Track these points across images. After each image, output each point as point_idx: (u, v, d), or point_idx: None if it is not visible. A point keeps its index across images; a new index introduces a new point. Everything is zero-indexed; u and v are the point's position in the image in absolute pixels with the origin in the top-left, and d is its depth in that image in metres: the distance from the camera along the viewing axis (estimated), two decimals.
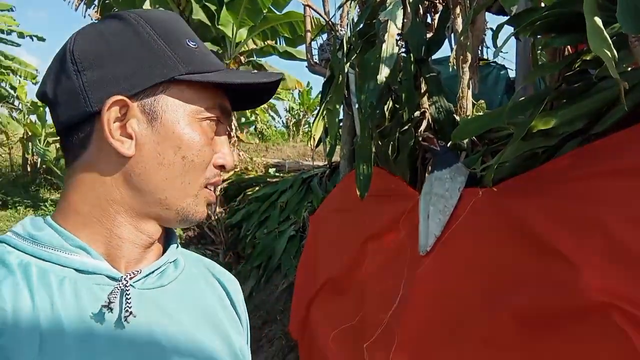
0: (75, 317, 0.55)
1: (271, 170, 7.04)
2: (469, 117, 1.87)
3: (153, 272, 0.65)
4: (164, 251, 0.70)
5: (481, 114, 2.09)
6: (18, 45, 13.14)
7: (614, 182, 1.21)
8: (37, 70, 13.23)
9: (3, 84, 13.08)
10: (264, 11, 7.37)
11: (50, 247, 0.58)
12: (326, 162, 4.80)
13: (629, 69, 1.33)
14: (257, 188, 5.57)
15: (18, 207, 9.19)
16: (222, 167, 0.68)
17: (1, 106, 12.60)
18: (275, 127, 21.33)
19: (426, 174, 1.94)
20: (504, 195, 1.53)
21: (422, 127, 2.30)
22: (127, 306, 0.57)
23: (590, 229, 1.21)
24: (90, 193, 0.62)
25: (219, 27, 7.41)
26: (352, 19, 2.54)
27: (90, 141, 0.62)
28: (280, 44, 8.52)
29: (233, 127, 7.68)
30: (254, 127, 18.12)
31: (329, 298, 2.53)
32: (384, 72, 1.83)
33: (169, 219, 0.65)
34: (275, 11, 7.85)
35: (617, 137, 1.26)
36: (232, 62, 7.36)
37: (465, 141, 2.11)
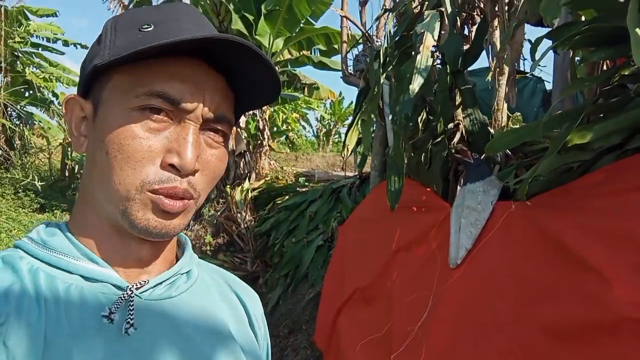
0: (78, 325, 0.53)
1: (301, 180, 7.09)
2: (504, 130, 1.86)
3: (161, 282, 0.61)
4: (178, 260, 0.67)
5: (516, 127, 2.07)
6: (62, 53, 13.64)
7: None
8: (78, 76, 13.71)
9: (46, 91, 13.57)
10: (301, 22, 7.47)
11: (60, 253, 0.57)
12: (356, 173, 4.81)
13: None
14: (286, 197, 5.61)
15: (55, 211, 9.48)
16: (173, 167, 0.55)
17: (42, 112, 13.07)
18: (305, 136, 21.45)
19: (458, 187, 1.93)
20: (537, 209, 1.52)
21: (456, 139, 2.30)
22: (129, 318, 0.55)
23: (624, 244, 1.19)
24: (79, 200, 0.62)
25: (257, 37, 7.54)
26: (389, 31, 2.55)
27: None
28: (314, 54, 8.62)
29: (265, 136, 7.79)
30: (285, 136, 18.28)
31: (357, 308, 2.53)
32: (416, 83, 1.84)
33: (123, 225, 0.57)
34: (312, 21, 7.95)
35: None
36: None
37: (499, 154, 2.10)
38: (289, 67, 8.69)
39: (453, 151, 2.00)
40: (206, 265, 0.73)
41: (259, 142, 7.69)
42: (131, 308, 0.56)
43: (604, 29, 1.33)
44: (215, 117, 0.59)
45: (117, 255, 0.60)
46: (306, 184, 6.63)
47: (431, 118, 2.48)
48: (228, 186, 6.53)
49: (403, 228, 2.36)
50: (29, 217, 8.52)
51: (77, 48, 13.71)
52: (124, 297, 0.56)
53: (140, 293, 0.58)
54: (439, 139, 2.34)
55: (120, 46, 0.55)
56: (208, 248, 6.06)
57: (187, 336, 0.60)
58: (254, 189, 6.50)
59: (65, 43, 13.52)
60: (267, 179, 7.03)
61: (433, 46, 2.22)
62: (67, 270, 0.56)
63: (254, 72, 0.59)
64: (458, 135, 2.31)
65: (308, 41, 7.87)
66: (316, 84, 9.13)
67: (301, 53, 8.14)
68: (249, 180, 6.84)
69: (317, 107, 19.41)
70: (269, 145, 8.01)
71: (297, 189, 6.07)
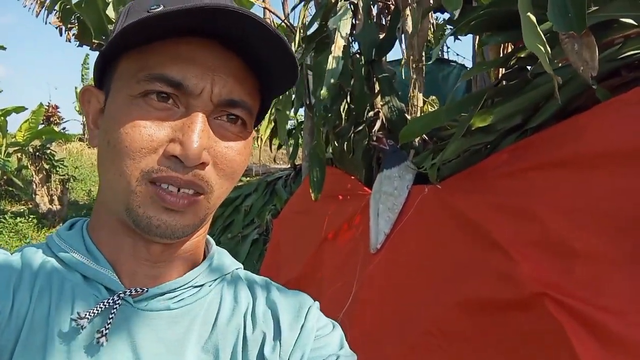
0: (62, 325, 0.50)
1: None
2: (416, 117, 1.90)
3: (164, 293, 0.55)
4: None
5: (427, 113, 2.12)
6: None
7: (546, 175, 1.25)
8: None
9: None
10: None
11: (70, 248, 0.55)
12: (290, 164, 4.80)
13: (560, 65, 1.38)
14: None
15: None
16: (176, 159, 0.50)
17: None
18: None
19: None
20: (448, 191, 1.56)
21: (376, 127, 2.33)
22: (105, 327, 0.50)
23: (526, 221, 1.24)
24: (99, 197, 0.57)
25: None
26: (303, 21, 2.54)
27: None
28: None
29: None
30: None
31: None
32: (334, 72, 1.84)
33: (129, 223, 0.52)
34: None
35: (549, 132, 1.30)
36: None
37: (417, 139, 2.15)
38: None
39: (371, 139, 2.02)
40: (248, 277, 0.63)
41: None
42: (110, 316, 0.50)
43: (500, 13, 1.38)
44: (228, 101, 0.52)
45: (125, 255, 0.54)
46: (242, 178, 6.54)
47: (352, 107, 2.50)
48: None
49: (330, 217, 2.37)
50: None
51: None
52: (107, 303, 0.51)
53: (135, 301, 0.53)
54: (361, 128, 2.37)
55: (125, 27, 0.49)
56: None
57: (179, 355, 0.53)
58: None
59: None
60: None
61: (349, 35, 2.23)
62: (69, 266, 0.54)
63: (267, 50, 0.52)
64: (378, 123, 2.34)
65: None
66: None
67: None
68: None
69: None
70: None
71: None
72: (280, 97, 2.35)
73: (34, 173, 8.74)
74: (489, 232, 1.33)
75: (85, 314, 0.50)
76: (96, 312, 0.50)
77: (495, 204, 1.37)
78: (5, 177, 12.53)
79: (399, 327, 1.50)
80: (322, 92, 1.80)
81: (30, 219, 8.42)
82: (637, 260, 0.99)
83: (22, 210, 9.45)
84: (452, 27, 1.44)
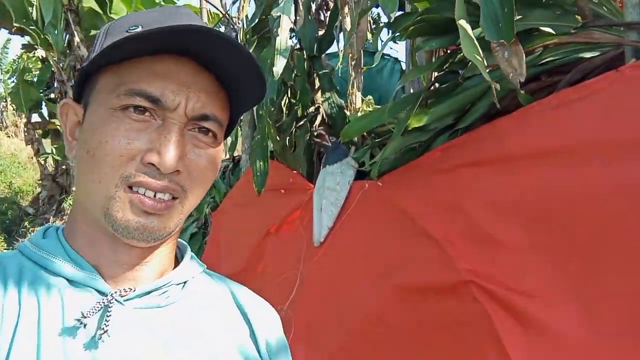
0: (55, 328, 0.52)
1: None
2: (358, 116, 1.98)
3: (150, 292, 0.59)
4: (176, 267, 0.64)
5: (370, 110, 2.21)
6: None
7: (473, 172, 1.36)
8: None
9: None
10: (158, 0, 7.12)
11: (49, 254, 0.57)
12: (228, 157, 4.77)
13: (487, 70, 1.49)
14: None
15: None
16: (152, 166, 0.54)
17: None
18: None
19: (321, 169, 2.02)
20: (386, 186, 1.65)
21: (317, 123, 2.39)
22: (105, 324, 0.53)
23: (454, 214, 1.35)
24: (75, 206, 0.61)
25: (112, 15, 7.04)
26: (246, 15, 2.55)
27: None
28: None
29: None
30: None
31: None
32: (279, 64, 1.87)
33: (107, 227, 0.56)
34: (174, 0, 7.61)
35: (477, 132, 1.41)
36: None
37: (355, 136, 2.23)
38: None
39: (313, 135, 2.08)
40: (216, 278, 0.70)
41: None
42: (108, 315, 0.54)
43: (435, 19, 1.47)
44: (201, 116, 0.57)
45: (106, 260, 0.58)
46: None
47: (294, 102, 2.54)
48: None
49: (272, 211, 2.41)
50: None
51: None
52: (102, 302, 0.54)
53: (124, 300, 0.57)
54: (302, 123, 2.42)
55: (111, 46, 0.54)
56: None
57: (170, 349, 0.57)
58: None
59: None
60: None
61: (290, 30, 2.26)
62: (53, 272, 0.56)
63: (236, 67, 0.57)
64: (319, 119, 2.40)
65: None
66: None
67: None
68: None
69: None
70: None
71: None
72: None
73: None
74: (422, 224, 1.43)
75: (88, 314, 0.53)
76: (93, 311, 0.53)
77: (430, 198, 1.47)
78: None
79: (340, 317, 1.58)
80: (275, 69, 1.82)
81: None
82: (549, 249, 1.12)
83: None
84: (390, 30, 1.51)
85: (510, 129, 1.31)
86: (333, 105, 2.30)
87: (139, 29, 0.56)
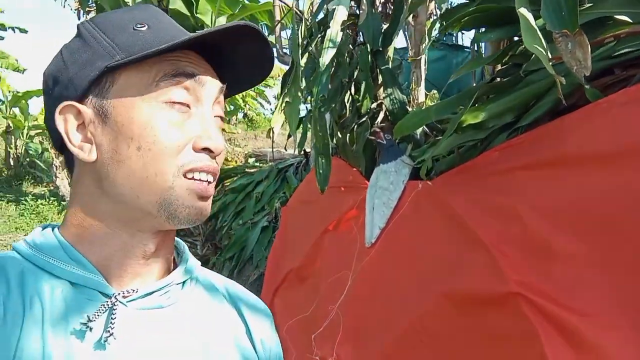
0: (60, 331, 0.53)
1: (250, 160, 7.04)
2: (410, 113, 1.90)
3: (152, 293, 0.60)
4: (175, 269, 0.65)
5: (422, 108, 2.11)
6: (1, 38, 12.89)
7: (531, 175, 1.25)
8: (17, 60, 13.03)
9: None
10: None
11: (50, 257, 0.57)
12: (300, 152, 4.82)
13: (550, 63, 1.36)
14: (235, 178, 5.57)
15: (0, 202, 9.13)
16: (207, 150, 0.58)
17: None
18: (264, 114, 21.22)
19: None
20: (440, 187, 1.57)
21: (379, 119, 2.32)
22: (110, 327, 0.54)
23: (508, 220, 1.25)
24: (79, 205, 0.60)
25: (198, 15, 7.35)
26: (310, 9, 2.53)
27: (74, 158, 0.61)
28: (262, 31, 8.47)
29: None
30: (243, 114, 18.03)
31: (290, 289, 2.57)
32: (326, 56, 1.83)
33: (156, 220, 0.58)
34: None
35: (537, 132, 1.29)
36: None
37: (418, 132, 2.14)
38: None
39: (371, 132, 2.03)
40: (209, 275, 0.71)
41: None
42: (113, 317, 0.55)
43: (492, 9, 1.36)
44: (221, 89, 0.62)
45: (114, 262, 0.59)
46: (256, 164, 6.59)
47: (356, 98, 2.49)
48: None
49: (331, 208, 2.39)
50: None
51: (14, 32, 13.02)
52: (107, 305, 0.55)
53: (128, 301, 0.58)
54: (364, 119, 2.37)
55: (128, 45, 0.57)
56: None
57: (173, 348, 0.59)
58: None
59: (2, 27, 12.81)
60: None
61: (350, 24, 2.22)
62: (55, 275, 0.56)
63: (248, 54, 0.63)
64: (382, 115, 2.34)
65: (251, 19, 7.71)
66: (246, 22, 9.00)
67: None
68: None
69: (274, 84, 19.19)
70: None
71: (246, 169, 6.03)
72: (290, 89, 2.36)
73: (54, 156, 8.95)
74: (474, 230, 1.34)
75: (93, 317, 0.54)
76: (98, 314, 0.54)
77: (483, 202, 1.37)
78: (28, 160, 12.85)
79: (386, 321, 1.53)
80: (321, 60, 1.79)
81: (50, 201, 8.63)
82: (609, 263, 0.99)
83: (43, 192, 9.68)
84: (444, 21, 1.43)
85: (572, 128, 1.19)
86: (395, 101, 2.22)
87: (146, 28, 0.59)
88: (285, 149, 4.89)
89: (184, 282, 0.65)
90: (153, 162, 0.56)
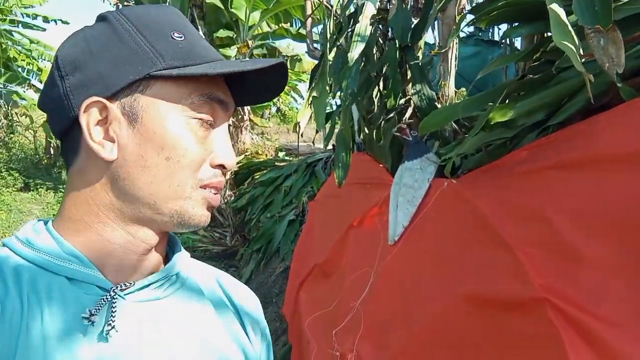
0: (60, 327, 0.54)
1: (281, 154, 7.08)
2: (436, 109, 1.86)
3: (149, 285, 0.62)
4: (167, 261, 0.68)
5: (448, 105, 2.06)
6: (44, 30, 13.29)
7: (561, 175, 1.20)
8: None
9: (30, 67, 13.33)
10: None
11: (45, 253, 0.57)
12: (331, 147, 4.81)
13: (583, 60, 1.30)
14: (264, 172, 5.61)
15: (40, 189, 9.45)
16: (221, 167, 0.63)
17: (26, 90, 12.88)
18: (296, 108, 21.27)
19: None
20: (466, 186, 1.53)
21: (407, 115, 2.29)
22: (111, 320, 0.56)
23: (535, 222, 1.20)
24: (82, 199, 0.60)
25: (232, 10, 7.42)
26: (339, 3, 2.51)
27: (80, 147, 0.61)
28: (295, 26, 8.49)
29: (247, 110, 7.72)
30: (276, 108, 18.13)
31: (315, 284, 2.57)
32: (355, 50, 1.81)
33: (165, 223, 0.61)
34: None
35: (569, 131, 1.24)
36: (243, 45, 7.36)
37: (447, 129, 2.10)
38: (270, 40, 8.58)
39: (396, 128, 2.00)
40: (199, 266, 0.75)
41: (240, 117, 7.63)
42: (113, 310, 0.56)
43: (523, 4, 1.32)
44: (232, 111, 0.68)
45: (114, 254, 0.60)
46: (286, 158, 6.62)
47: (384, 94, 2.46)
48: None
49: (357, 204, 2.37)
50: (12, 196, 8.52)
51: (56, 24, 13.42)
52: (106, 298, 0.57)
53: (125, 295, 0.59)
54: (391, 115, 2.33)
55: (170, 56, 0.59)
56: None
57: (171, 339, 0.61)
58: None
59: (45, 19, 13.21)
60: (246, 154, 7.01)
61: (379, 18, 2.19)
62: (51, 271, 0.57)
63: (267, 83, 0.68)
64: (410, 111, 2.30)
65: (285, 13, 7.74)
66: (298, 55, 9.03)
67: (279, 26, 8.01)
68: None
69: (307, 79, 19.19)
70: (250, 120, 7.96)
71: (276, 163, 6.06)
72: (318, 83, 2.35)
73: None
74: (499, 231, 1.30)
75: (95, 311, 0.55)
76: (98, 308, 0.55)
77: (509, 202, 1.33)
78: None
79: (406, 320, 1.51)
80: (350, 54, 1.78)
81: None
82: None
83: None
84: (473, 16, 1.38)
85: (606, 128, 1.14)
86: (423, 97, 2.18)
87: (183, 39, 0.61)
88: (313, 143, 4.89)
89: (177, 274, 0.67)
90: (179, 173, 0.59)
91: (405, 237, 1.70)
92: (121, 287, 0.59)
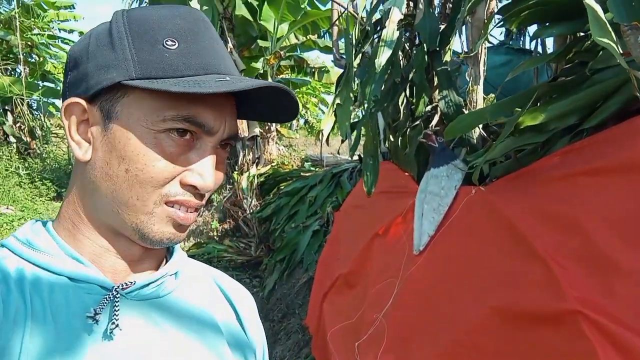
0: (65, 326, 0.53)
1: (306, 165, 7.07)
2: (462, 114, 1.80)
3: (149, 284, 0.61)
4: (168, 259, 0.67)
5: (474, 110, 2.00)
6: None
7: (596, 182, 1.14)
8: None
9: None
10: (304, 6, 7.37)
11: (45, 254, 0.57)
12: (355, 157, 4.77)
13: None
14: (290, 182, 5.60)
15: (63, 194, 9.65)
16: (192, 187, 0.57)
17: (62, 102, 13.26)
18: None
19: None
20: (495, 194, 1.47)
21: (434, 122, 2.24)
22: (114, 318, 0.55)
23: (568, 232, 1.14)
24: (70, 199, 0.61)
25: (261, 22, 7.48)
26: (366, 11, 2.49)
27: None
28: (324, 38, 8.52)
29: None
30: (304, 120, 18.21)
31: (339, 294, 2.52)
32: (382, 57, 1.78)
33: (130, 235, 0.59)
34: (320, 5, 7.83)
35: (604, 135, 1.18)
36: (272, 57, 7.41)
37: (475, 136, 2.04)
38: (297, 52, 8.62)
39: (422, 135, 1.95)
40: (195, 264, 0.74)
41: (267, 127, 7.67)
42: (116, 309, 0.56)
43: (554, 3, 1.26)
44: (231, 137, 0.61)
45: (108, 257, 0.60)
46: (311, 168, 6.60)
47: (410, 100, 2.41)
48: (235, 173, 6.55)
49: (382, 213, 2.32)
50: (45, 205, 8.73)
51: None
52: (109, 297, 0.56)
53: (126, 293, 0.59)
54: (417, 122, 2.29)
55: (148, 65, 0.54)
56: (215, 234, 6.13)
57: (174, 336, 0.61)
58: (260, 175, 6.50)
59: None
60: (273, 164, 7.02)
61: (405, 24, 2.15)
62: (52, 271, 0.57)
63: (272, 101, 0.62)
64: (436, 118, 2.25)
65: (313, 25, 7.77)
66: (326, 67, 9.04)
67: (307, 37, 8.04)
68: (257, 166, 6.85)
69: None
70: (277, 131, 7.99)
71: (302, 173, 6.05)
72: (342, 91, 2.32)
73: None
74: (531, 241, 1.23)
75: (99, 310, 0.54)
76: (102, 307, 0.55)
77: (541, 210, 1.27)
78: None
79: (432, 333, 1.45)
80: (377, 61, 1.75)
81: None
82: None
83: None
84: (502, 17, 1.34)
85: None
86: (450, 104, 2.12)
87: (177, 46, 0.56)
88: (338, 153, 4.86)
89: (177, 272, 0.67)
90: (137, 187, 0.55)
91: (431, 247, 1.65)
92: (122, 286, 0.59)
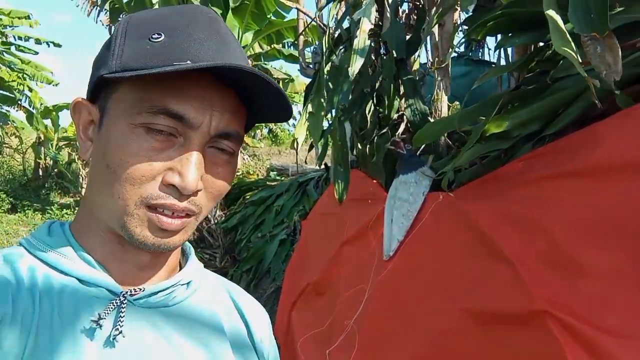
0: (70, 328, 0.53)
1: (272, 174, 7.05)
2: (431, 122, 1.84)
3: (158, 292, 0.60)
4: (181, 268, 0.66)
5: (441, 118, 2.05)
6: (36, 53, 13.23)
7: (559, 185, 1.18)
8: (52, 72, 13.37)
9: (20, 88, 13.27)
10: (269, 16, 7.39)
11: (58, 254, 0.57)
12: (320, 166, 4.79)
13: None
14: (256, 191, 5.58)
15: (27, 211, 9.34)
16: (175, 189, 0.54)
17: (16, 111, 12.81)
18: (289, 130, 21.34)
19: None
20: (462, 199, 1.50)
21: (400, 130, 2.28)
22: (119, 324, 0.55)
23: (534, 234, 1.18)
24: (83, 201, 0.62)
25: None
26: (335, 20, 2.52)
27: None
28: (288, 47, 8.56)
29: None
30: (268, 129, 18.17)
31: (308, 303, 2.52)
32: (355, 65, 1.80)
33: (123, 235, 0.56)
34: (284, 13, 7.88)
35: (566, 140, 1.23)
36: None
37: (441, 143, 2.08)
38: (261, 61, 8.62)
39: (390, 142, 1.98)
40: (211, 276, 0.73)
41: None
42: (121, 315, 0.55)
43: (518, 14, 1.31)
44: (224, 133, 0.57)
45: (116, 260, 0.59)
46: (277, 178, 6.59)
47: (378, 108, 2.45)
48: None
49: (350, 221, 2.34)
50: None
51: (49, 46, 13.39)
52: (116, 303, 0.56)
53: (134, 300, 0.58)
54: (384, 130, 2.32)
55: (128, 58, 0.54)
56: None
57: (178, 347, 0.59)
58: None
59: (38, 41, 13.19)
60: (238, 174, 6.97)
61: (373, 32, 2.19)
62: (63, 272, 0.56)
63: (264, 95, 0.58)
64: (403, 126, 2.29)
65: (278, 34, 7.80)
66: (290, 77, 9.08)
67: (272, 47, 8.07)
68: None
69: (299, 100, 19.31)
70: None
71: (267, 183, 6.03)
72: (314, 99, 2.33)
73: (81, 167, 9.14)
74: (498, 244, 1.27)
75: (104, 314, 0.54)
76: (107, 312, 0.54)
77: (506, 214, 1.31)
78: (56, 170, 13.15)
79: (403, 337, 1.46)
80: (350, 69, 1.76)
81: (75, 210, 8.78)
82: None
83: (69, 202, 9.87)
84: (467, 27, 1.38)
85: (603, 137, 1.12)
86: (416, 112, 2.17)
87: (162, 38, 0.54)
88: (305, 162, 4.88)
89: (189, 282, 0.65)
90: (117, 184, 0.54)
91: (401, 252, 1.67)
92: (131, 292, 0.58)
